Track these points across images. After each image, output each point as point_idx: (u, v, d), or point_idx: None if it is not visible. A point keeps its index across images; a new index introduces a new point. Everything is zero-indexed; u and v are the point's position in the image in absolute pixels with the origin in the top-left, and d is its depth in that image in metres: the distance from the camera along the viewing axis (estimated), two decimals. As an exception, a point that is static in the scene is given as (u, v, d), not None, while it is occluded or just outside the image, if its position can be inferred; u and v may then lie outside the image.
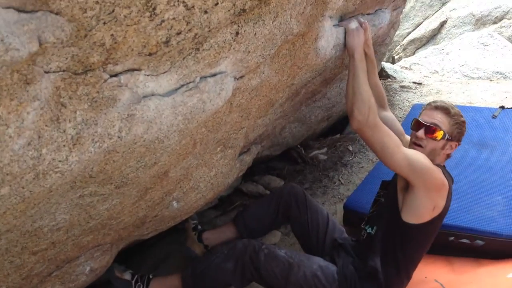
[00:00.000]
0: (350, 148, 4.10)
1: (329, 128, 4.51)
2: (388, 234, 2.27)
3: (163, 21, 1.15)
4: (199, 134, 1.81)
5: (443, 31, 7.96)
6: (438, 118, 2.27)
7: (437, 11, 8.38)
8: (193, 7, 1.19)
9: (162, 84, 1.39)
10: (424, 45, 8.10)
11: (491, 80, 5.87)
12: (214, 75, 1.60)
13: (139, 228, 2.21)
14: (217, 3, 1.26)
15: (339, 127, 4.59)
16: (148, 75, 1.33)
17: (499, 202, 2.78)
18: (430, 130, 2.25)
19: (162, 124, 1.46)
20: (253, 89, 1.97)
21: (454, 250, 2.64)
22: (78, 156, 1.20)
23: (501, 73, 5.97)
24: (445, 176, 2.20)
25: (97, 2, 0.94)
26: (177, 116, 1.51)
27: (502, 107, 4.00)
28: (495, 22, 7.27)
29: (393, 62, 7.86)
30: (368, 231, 2.36)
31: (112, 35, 1.06)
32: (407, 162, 2.10)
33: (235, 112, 1.99)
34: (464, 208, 2.73)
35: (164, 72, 1.37)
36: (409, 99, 5.12)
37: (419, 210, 2.18)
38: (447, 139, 2.25)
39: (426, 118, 2.29)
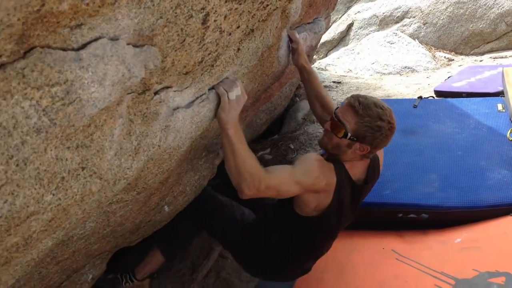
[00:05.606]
0: (292, 146, 4.37)
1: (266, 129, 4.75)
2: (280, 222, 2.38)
3: (204, 44, 1.37)
4: (195, 141, 2.02)
5: (351, 33, 8.54)
6: (346, 116, 2.08)
7: (343, 14, 8.94)
8: (224, 31, 1.42)
9: (184, 98, 1.59)
10: (335, 47, 8.63)
11: (401, 75, 6.46)
12: (216, 86, 1.81)
13: (133, 234, 2.34)
14: (239, 26, 1.50)
15: (275, 127, 4.85)
16: (175, 91, 1.52)
17: (435, 179, 3.20)
18: (333, 125, 2.12)
19: (183, 133, 1.65)
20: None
21: (403, 224, 2.99)
22: (136, 164, 1.38)
23: (408, 67, 6.57)
24: (339, 172, 2.11)
25: (178, 34, 1.14)
26: (193, 125, 1.71)
27: (420, 97, 4.46)
28: (397, 22, 7.90)
29: (308, 64, 8.29)
30: None
31: (173, 59, 1.26)
32: (300, 188, 2.02)
33: (219, 119, 2.21)
34: (406, 188, 3.09)
35: (187, 87, 1.57)
36: (333, 98, 5.51)
37: (305, 207, 2.15)
38: (351, 139, 2.07)
39: (338, 111, 2.13)
